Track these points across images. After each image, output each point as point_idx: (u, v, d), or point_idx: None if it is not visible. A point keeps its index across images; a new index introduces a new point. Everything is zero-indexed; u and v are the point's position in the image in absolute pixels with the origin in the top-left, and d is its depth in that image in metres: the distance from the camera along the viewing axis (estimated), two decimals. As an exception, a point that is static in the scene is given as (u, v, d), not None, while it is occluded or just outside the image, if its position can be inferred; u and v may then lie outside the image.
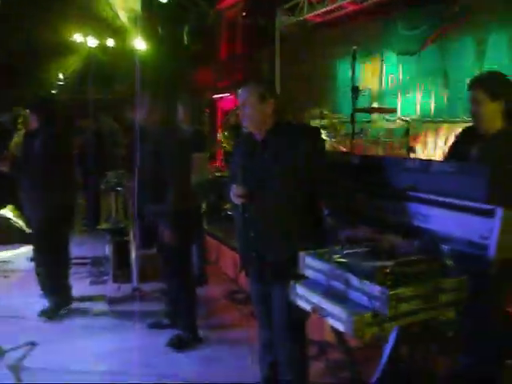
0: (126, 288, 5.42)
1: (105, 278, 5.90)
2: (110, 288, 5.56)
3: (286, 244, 2.75)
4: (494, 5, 5.31)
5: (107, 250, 6.14)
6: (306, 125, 3.04)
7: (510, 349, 3.15)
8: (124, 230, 5.98)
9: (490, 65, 5.38)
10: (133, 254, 5.42)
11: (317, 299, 2.25)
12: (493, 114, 3.00)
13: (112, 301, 5.17)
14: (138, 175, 4.49)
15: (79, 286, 5.37)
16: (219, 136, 8.81)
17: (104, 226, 6.31)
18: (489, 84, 3.03)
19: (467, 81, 3.24)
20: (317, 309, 2.23)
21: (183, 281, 4.26)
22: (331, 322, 2.15)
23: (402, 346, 2.81)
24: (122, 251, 5.77)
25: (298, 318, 2.77)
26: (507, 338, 3.09)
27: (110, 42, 11.54)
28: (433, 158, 5.69)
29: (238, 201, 2.86)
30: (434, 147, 5.87)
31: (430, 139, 5.96)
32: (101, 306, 5.07)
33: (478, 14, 5.56)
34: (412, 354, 2.71)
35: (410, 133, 5.37)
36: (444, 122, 5.72)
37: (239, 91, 2.95)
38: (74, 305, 4.95)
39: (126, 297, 5.28)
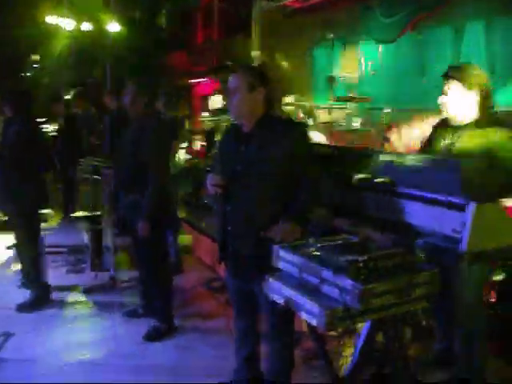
0: (103, 276, 5.38)
1: (83, 265, 5.85)
2: (87, 277, 5.52)
3: (263, 239, 2.67)
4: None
5: (85, 238, 6.09)
6: (293, 120, 2.94)
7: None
8: (102, 218, 5.92)
9: (466, 53, 5.41)
10: (109, 243, 5.39)
11: (289, 292, 2.26)
12: (466, 105, 3.03)
13: (89, 290, 5.14)
14: (116, 163, 4.45)
15: (56, 274, 5.35)
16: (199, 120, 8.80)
17: (81, 214, 6.24)
18: (463, 75, 3.05)
19: (443, 69, 3.27)
20: (289, 302, 2.24)
21: (158, 272, 4.24)
22: (303, 315, 2.16)
23: (377, 335, 2.84)
24: (100, 239, 5.73)
25: (284, 314, 2.67)
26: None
27: (88, 26, 11.36)
28: (409, 147, 5.74)
29: (212, 190, 2.83)
30: (409, 136, 5.90)
31: (406, 128, 5.98)
32: (78, 296, 5.04)
33: (455, 1, 5.58)
34: (387, 342, 2.74)
35: (386, 122, 5.40)
36: (420, 110, 5.75)
37: (229, 79, 2.84)
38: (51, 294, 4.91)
39: (103, 285, 5.24)
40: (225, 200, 2.84)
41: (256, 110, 2.78)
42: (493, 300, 3.68)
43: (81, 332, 4.29)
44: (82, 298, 5.01)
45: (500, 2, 5.01)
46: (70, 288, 5.20)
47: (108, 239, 5.42)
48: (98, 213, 5.83)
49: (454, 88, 3.02)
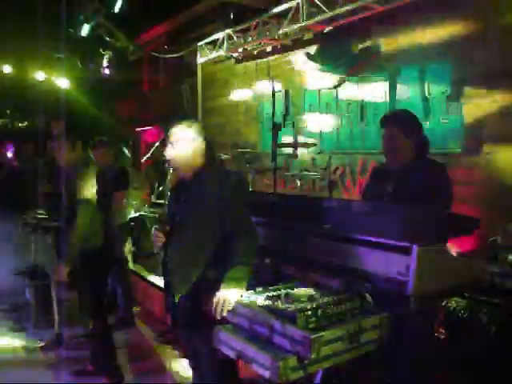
0: (49, 334, 5.14)
1: (25, 324, 5.60)
2: (32, 335, 5.27)
3: (197, 290, 2.67)
4: (403, 40, 5.57)
5: (27, 294, 5.86)
6: (229, 171, 2.99)
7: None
8: (45, 272, 5.73)
9: (403, 97, 5.61)
10: (54, 298, 5.19)
11: (240, 345, 2.22)
12: (407, 150, 3.14)
13: (33, 349, 4.90)
14: (61, 214, 4.36)
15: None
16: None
17: (24, 269, 6.01)
18: (403, 121, 3.16)
19: (381, 114, 3.38)
20: (241, 355, 2.20)
21: (96, 325, 4.11)
22: (256, 368, 2.12)
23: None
24: (43, 295, 5.52)
25: (222, 364, 2.62)
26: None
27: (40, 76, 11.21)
28: (353, 191, 5.85)
29: (157, 243, 2.83)
30: (353, 179, 6.02)
31: (350, 171, 6.10)
32: (21, 355, 4.80)
33: (388, 49, 5.81)
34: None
35: (330, 166, 5.49)
36: (361, 153, 5.89)
37: (171, 130, 2.84)
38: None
39: (48, 343, 5.01)
40: (165, 251, 2.85)
41: (194, 162, 2.81)
42: (443, 337, 3.72)
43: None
44: (25, 357, 4.76)
45: (432, 48, 5.25)
46: (12, 347, 4.95)
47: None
48: (42, 268, 5.64)
49: (395, 133, 3.13)
